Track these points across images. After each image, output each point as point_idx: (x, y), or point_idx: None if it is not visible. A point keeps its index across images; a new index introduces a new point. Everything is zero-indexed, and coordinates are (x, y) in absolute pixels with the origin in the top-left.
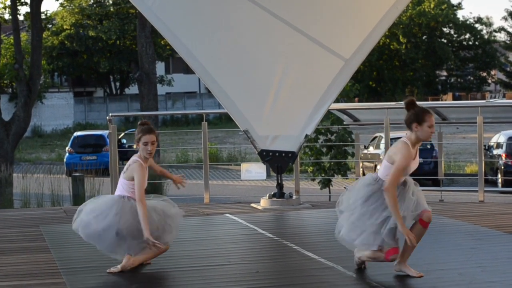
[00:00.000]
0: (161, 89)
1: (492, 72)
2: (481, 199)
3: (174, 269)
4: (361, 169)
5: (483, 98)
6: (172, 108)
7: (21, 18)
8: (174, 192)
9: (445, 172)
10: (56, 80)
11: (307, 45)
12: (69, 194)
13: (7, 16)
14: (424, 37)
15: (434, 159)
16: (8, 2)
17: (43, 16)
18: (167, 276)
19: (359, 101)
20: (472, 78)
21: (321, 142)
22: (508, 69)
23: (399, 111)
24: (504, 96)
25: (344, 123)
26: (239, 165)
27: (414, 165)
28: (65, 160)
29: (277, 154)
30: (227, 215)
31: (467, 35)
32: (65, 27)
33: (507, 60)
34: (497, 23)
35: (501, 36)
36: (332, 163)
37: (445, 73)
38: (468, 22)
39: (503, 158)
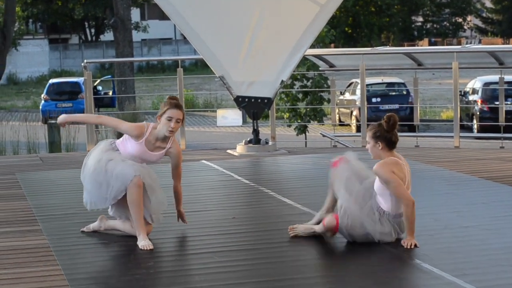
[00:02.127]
0: (137, 36)
1: (468, 18)
2: (457, 145)
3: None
4: (337, 115)
5: (459, 44)
6: (148, 54)
7: None
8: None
9: (420, 118)
10: (31, 27)
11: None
12: (45, 142)
13: None
14: None
15: (409, 104)
16: None
17: None
18: None
19: (335, 47)
20: (447, 24)
21: (297, 88)
22: (484, 15)
23: (374, 57)
24: (480, 42)
25: (320, 69)
26: (215, 111)
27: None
28: (40, 107)
29: (253, 100)
30: (203, 161)
31: None
32: None
33: (483, 6)
34: None
35: None
36: (308, 109)
37: (421, 19)
38: None
39: (479, 104)
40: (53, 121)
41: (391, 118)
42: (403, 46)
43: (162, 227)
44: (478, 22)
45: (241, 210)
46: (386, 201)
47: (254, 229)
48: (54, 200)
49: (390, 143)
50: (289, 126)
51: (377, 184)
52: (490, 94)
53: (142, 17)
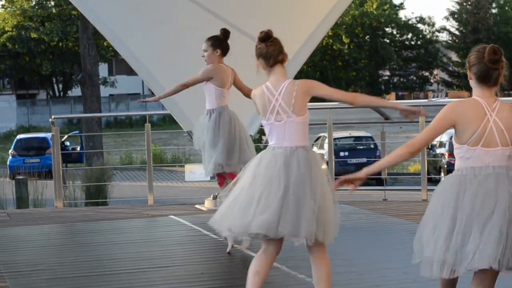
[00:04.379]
0: (104, 91)
1: (435, 72)
2: (425, 198)
3: (118, 271)
4: None
5: (426, 97)
6: (116, 109)
7: None
8: (118, 194)
9: (388, 172)
10: None
11: (249, 45)
12: (12, 198)
13: None
14: (367, 37)
15: (377, 158)
16: None
17: None
18: (111, 278)
19: None
20: (414, 78)
21: (265, 142)
22: (450, 68)
23: (342, 111)
24: (446, 95)
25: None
26: (183, 166)
27: None
28: (8, 163)
29: None
30: (172, 216)
31: (410, 35)
32: (6, 29)
33: (449, 60)
34: (439, 23)
35: (443, 36)
36: None
37: (388, 73)
38: (410, 22)
39: (446, 157)
40: (20, 177)
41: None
42: None
43: (131, 283)
44: (444, 75)
45: (210, 266)
46: None
47: (222, 284)
48: (21, 256)
49: None
50: None
51: None
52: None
53: (110, 72)
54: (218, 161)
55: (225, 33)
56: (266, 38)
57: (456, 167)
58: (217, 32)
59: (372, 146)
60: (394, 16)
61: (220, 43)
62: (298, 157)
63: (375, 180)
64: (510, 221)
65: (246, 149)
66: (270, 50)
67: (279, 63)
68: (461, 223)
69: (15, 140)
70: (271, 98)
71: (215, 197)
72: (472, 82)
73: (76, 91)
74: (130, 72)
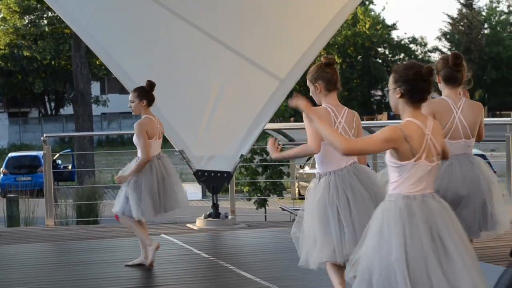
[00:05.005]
0: (96, 110)
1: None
2: None
3: None
4: (296, 189)
5: None
6: (108, 128)
7: None
8: (109, 213)
9: None
10: None
11: (242, 65)
12: (3, 216)
13: None
14: (359, 57)
15: None
16: None
17: None
18: None
19: (294, 121)
20: None
21: (257, 162)
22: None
23: None
24: None
25: (280, 143)
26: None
27: None
28: None
29: (212, 174)
30: (163, 235)
31: (402, 55)
32: None
33: None
34: (431, 43)
35: (435, 56)
36: (267, 183)
37: (380, 93)
38: (402, 42)
39: None
40: (11, 195)
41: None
42: (363, 120)
43: None
44: (436, 96)
45: (201, 285)
46: None
47: None
48: (12, 274)
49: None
50: (249, 200)
51: None
52: None
53: (102, 91)
54: (145, 212)
55: (151, 84)
56: (331, 63)
57: None
58: (209, 51)
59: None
60: (386, 36)
61: (145, 94)
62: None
63: None
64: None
65: (170, 196)
66: (335, 76)
67: (337, 90)
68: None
69: (7, 158)
70: (335, 119)
71: (206, 216)
72: (441, 85)
73: (68, 110)
74: (122, 90)
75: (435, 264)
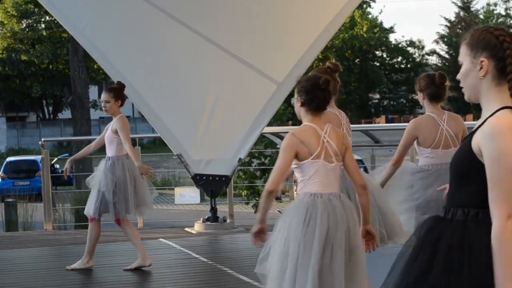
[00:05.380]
0: (95, 114)
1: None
2: None
3: None
4: (295, 192)
5: None
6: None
7: None
8: (107, 218)
9: None
10: None
11: (240, 68)
12: (1, 220)
13: None
14: (357, 60)
15: None
16: None
17: None
18: None
19: (292, 125)
20: (404, 101)
21: (255, 166)
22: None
23: None
24: None
25: (278, 146)
26: (173, 189)
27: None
28: None
29: (210, 178)
30: (161, 239)
31: (399, 58)
32: None
33: None
34: (429, 46)
35: (433, 59)
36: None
37: (378, 96)
38: (400, 45)
39: None
40: (10, 200)
41: None
42: (361, 123)
43: None
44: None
45: None
46: None
47: None
48: (11, 279)
49: None
50: (247, 203)
51: None
52: None
53: (100, 95)
54: (118, 208)
55: (123, 85)
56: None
57: (420, 163)
58: (207, 54)
59: (362, 169)
60: (384, 39)
61: (120, 94)
62: None
63: None
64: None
65: (140, 194)
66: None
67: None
68: None
69: (5, 162)
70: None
71: (204, 220)
72: (425, 102)
73: (66, 114)
74: None
75: (318, 258)
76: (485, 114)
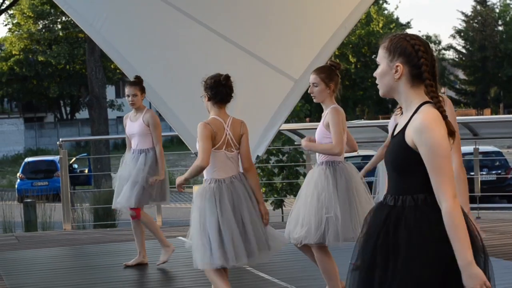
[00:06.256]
0: (112, 113)
1: (442, 90)
2: None
3: None
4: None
5: None
6: (123, 132)
7: None
8: (126, 216)
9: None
10: (6, 106)
11: (257, 66)
12: (21, 221)
13: None
14: (374, 56)
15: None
16: None
17: None
18: None
19: (310, 121)
20: None
21: (273, 163)
22: (457, 86)
23: (349, 130)
24: None
25: (296, 143)
26: (191, 187)
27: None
28: (16, 186)
29: None
30: (180, 238)
31: None
32: (14, 52)
33: (456, 78)
34: (446, 41)
35: (450, 54)
36: (284, 184)
37: None
38: None
39: None
40: (28, 200)
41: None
42: (378, 119)
43: None
44: (451, 93)
45: None
46: None
47: None
48: (30, 279)
49: None
50: (266, 201)
51: None
52: (465, 165)
53: (117, 95)
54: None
55: (141, 78)
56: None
57: None
58: (223, 52)
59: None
60: None
61: (144, 88)
62: None
63: None
64: None
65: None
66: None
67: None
68: None
69: (23, 163)
70: None
71: None
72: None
73: (83, 114)
74: None
75: (238, 233)
76: (407, 108)
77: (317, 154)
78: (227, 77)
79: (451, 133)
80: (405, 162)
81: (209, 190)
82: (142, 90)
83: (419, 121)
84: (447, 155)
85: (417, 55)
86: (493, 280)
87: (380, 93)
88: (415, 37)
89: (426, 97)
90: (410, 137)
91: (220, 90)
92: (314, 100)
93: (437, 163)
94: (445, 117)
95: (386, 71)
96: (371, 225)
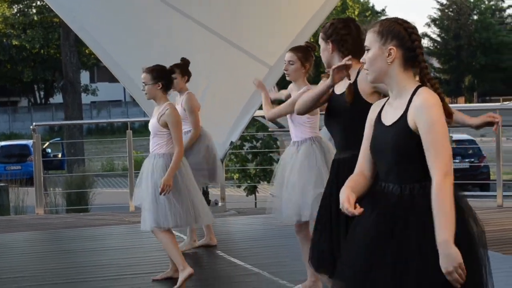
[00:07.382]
0: (86, 98)
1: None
2: (500, 204)
3: (101, 278)
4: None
5: None
6: (97, 117)
7: None
8: (99, 201)
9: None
10: None
11: (231, 52)
12: None
13: None
14: None
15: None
16: None
17: None
18: (93, 285)
19: None
20: None
21: (247, 149)
22: (432, 75)
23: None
24: None
25: (269, 130)
26: None
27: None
28: None
29: None
30: None
31: None
32: None
33: (431, 66)
34: (421, 29)
35: (425, 42)
36: (257, 170)
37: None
38: None
39: None
40: (1, 184)
41: None
42: None
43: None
44: None
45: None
46: None
47: None
48: (3, 263)
49: None
50: (239, 187)
51: None
52: None
53: (92, 80)
54: None
55: (187, 60)
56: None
57: None
58: (198, 38)
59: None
60: None
61: (187, 69)
62: None
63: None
64: None
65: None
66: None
67: None
68: None
69: None
70: None
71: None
72: None
73: (57, 98)
74: (112, 79)
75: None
76: (400, 93)
77: (297, 131)
78: (171, 69)
79: (448, 114)
80: (410, 148)
81: None
82: (185, 73)
83: (421, 101)
84: (445, 131)
85: (411, 38)
86: (490, 275)
87: (370, 78)
88: (406, 21)
89: (416, 81)
90: (412, 117)
91: (171, 79)
92: (287, 78)
93: (434, 137)
94: (442, 99)
95: (378, 54)
96: (377, 212)
